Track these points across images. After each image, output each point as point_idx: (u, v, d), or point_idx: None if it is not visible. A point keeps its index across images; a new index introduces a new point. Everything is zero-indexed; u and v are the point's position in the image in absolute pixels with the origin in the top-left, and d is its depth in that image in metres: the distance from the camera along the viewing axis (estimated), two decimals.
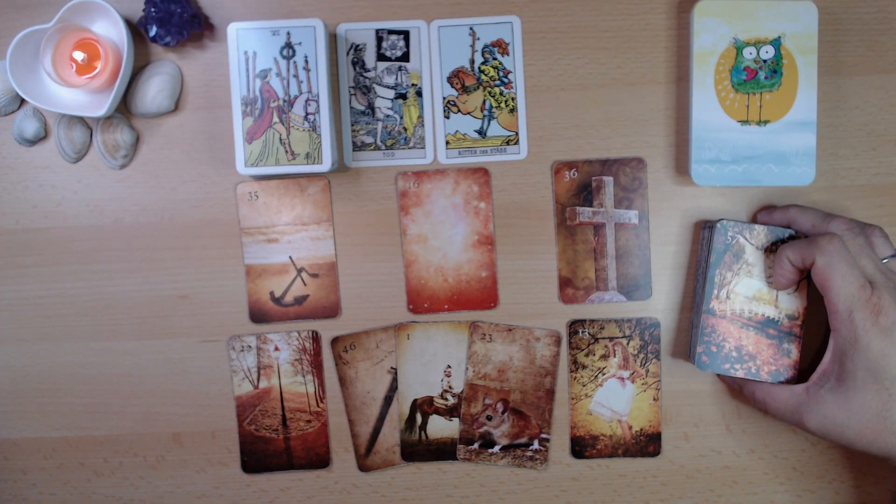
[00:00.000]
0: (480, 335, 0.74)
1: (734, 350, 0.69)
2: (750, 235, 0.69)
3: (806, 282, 0.69)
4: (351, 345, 0.74)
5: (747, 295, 0.69)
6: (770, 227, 0.69)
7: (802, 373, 0.70)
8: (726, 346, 0.69)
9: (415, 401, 0.74)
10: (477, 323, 0.74)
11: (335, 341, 0.74)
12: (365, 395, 0.74)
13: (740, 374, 0.69)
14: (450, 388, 0.74)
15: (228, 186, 0.74)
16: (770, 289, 0.69)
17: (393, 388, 0.74)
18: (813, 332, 0.72)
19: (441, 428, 0.74)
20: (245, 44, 0.69)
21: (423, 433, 0.74)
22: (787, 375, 0.69)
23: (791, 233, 0.69)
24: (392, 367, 0.74)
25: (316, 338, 0.74)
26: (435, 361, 0.74)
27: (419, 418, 0.74)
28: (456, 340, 0.74)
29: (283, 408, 0.74)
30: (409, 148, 0.73)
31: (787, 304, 0.69)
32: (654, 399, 0.74)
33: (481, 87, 0.73)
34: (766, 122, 0.70)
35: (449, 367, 0.74)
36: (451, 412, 0.74)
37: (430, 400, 0.74)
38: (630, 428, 0.74)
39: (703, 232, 0.72)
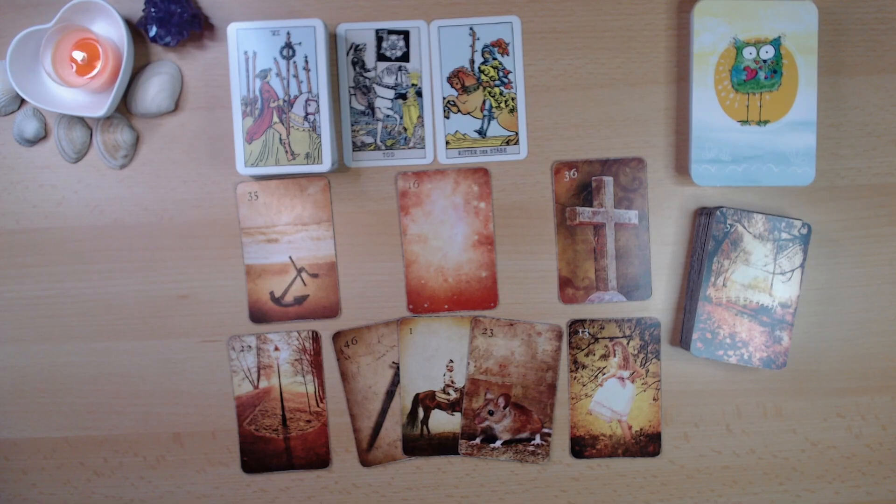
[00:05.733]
0: (482, 330, 0.74)
1: (728, 337, 0.70)
2: (748, 223, 0.69)
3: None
4: (353, 339, 0.74)
5: (743, 283, 0.69)
6: (768, 215, 0.69)
7: (792, 361, 0.71)
8: (721, 332, 0.70)
9: (417, 395, 0.74)
10: (478, 317, 0.74)
11: (337, 336, 0.74)
12: (367, 389, 0.74)
13: (733, 360, 0.70)
14: (452, 382, 0.74)
15: (228, 186, 0.74)
16: (766, 276, 0.69)
17: (395, 382, 0.74)
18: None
19: (443, 423, 0.74)
20: (245, 44, 0.69)
21: (425, 428, 0.74)
22: (778, 363, 0.70)
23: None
24: (394, 362, 0.74)
25: (316, 338, 0.74)
26: (437, 356, 0.74)
27: (421, 413, 0.74)
28: (458, 335, 0.74)
29: (283, 408, 0.74)
30: (409, 148, 0.73)
31: (782, 293, 0.69)
32: (654, 399, 0.74)
33: (481, 87, 0.73)
34: (766, 122, 0.70)
35: (451, 361, 0.74)
36: (452, 407, 0.74)
37: (432, 394, 0.74)
38: (630, 428, 0.74)
39: (700, 218, 0.72)
